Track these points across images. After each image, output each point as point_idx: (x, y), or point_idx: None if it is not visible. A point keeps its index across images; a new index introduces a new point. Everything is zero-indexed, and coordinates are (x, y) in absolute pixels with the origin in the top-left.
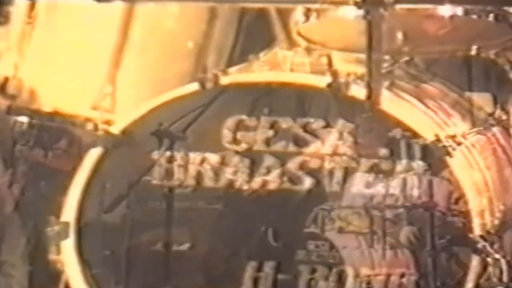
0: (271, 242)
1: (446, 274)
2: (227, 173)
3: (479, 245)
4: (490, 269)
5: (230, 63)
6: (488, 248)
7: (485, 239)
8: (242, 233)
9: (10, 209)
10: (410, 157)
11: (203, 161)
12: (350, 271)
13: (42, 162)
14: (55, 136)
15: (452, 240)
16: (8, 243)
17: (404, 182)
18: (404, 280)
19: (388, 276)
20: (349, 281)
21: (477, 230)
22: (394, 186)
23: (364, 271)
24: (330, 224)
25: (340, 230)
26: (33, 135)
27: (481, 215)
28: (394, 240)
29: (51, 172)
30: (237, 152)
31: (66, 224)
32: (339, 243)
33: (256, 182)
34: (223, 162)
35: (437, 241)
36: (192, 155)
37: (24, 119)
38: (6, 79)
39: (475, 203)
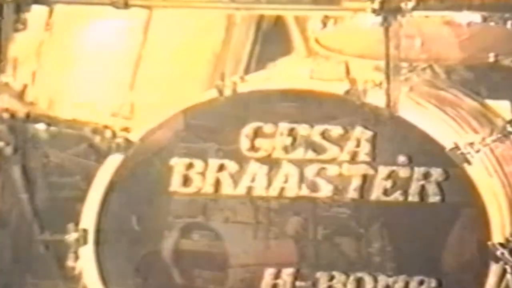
0: None
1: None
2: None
3: (498, 253)
4: (508, 276)
5: (248, 70)
6: (507, 255)
7: (504, 246)
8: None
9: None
10: (428, 164)
11: (221, 168)
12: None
13: (60, 169)
14: (73, 143)
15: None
16: None
17: (423, 189)
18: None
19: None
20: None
21: (495, 238)
22: (413, 193)
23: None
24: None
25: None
26: (50, 142)
27: (499, 223)
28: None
29: (69, 179)
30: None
31: (85, 231)
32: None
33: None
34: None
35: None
36: (210, 162)
37: (42, 126)
38: (25, 87)
39: (494, 211)
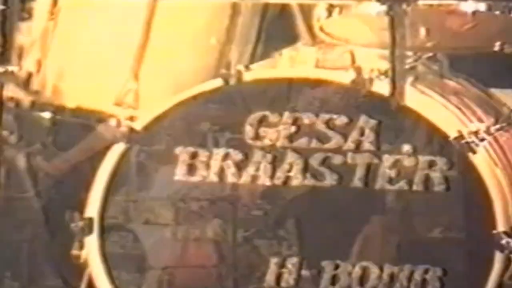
0: None
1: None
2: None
3: (503, 242)
4: None
5: (253, 59)
6: None
7: (509, 235)
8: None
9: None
10: (433, 153)
11: (226, 157)
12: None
13: (64, 158)
14: (78, 132)
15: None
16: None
17: (428, 178)
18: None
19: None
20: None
21: (500, 226)
22: (418, 182)
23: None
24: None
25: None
26: (56, 131)
27: (504, 211)
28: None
29: (74, 168)
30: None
31: (90, 220)
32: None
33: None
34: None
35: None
36: (215, 151)
37: (47, 114)
38: (30, 75)
39: (498, 200)
